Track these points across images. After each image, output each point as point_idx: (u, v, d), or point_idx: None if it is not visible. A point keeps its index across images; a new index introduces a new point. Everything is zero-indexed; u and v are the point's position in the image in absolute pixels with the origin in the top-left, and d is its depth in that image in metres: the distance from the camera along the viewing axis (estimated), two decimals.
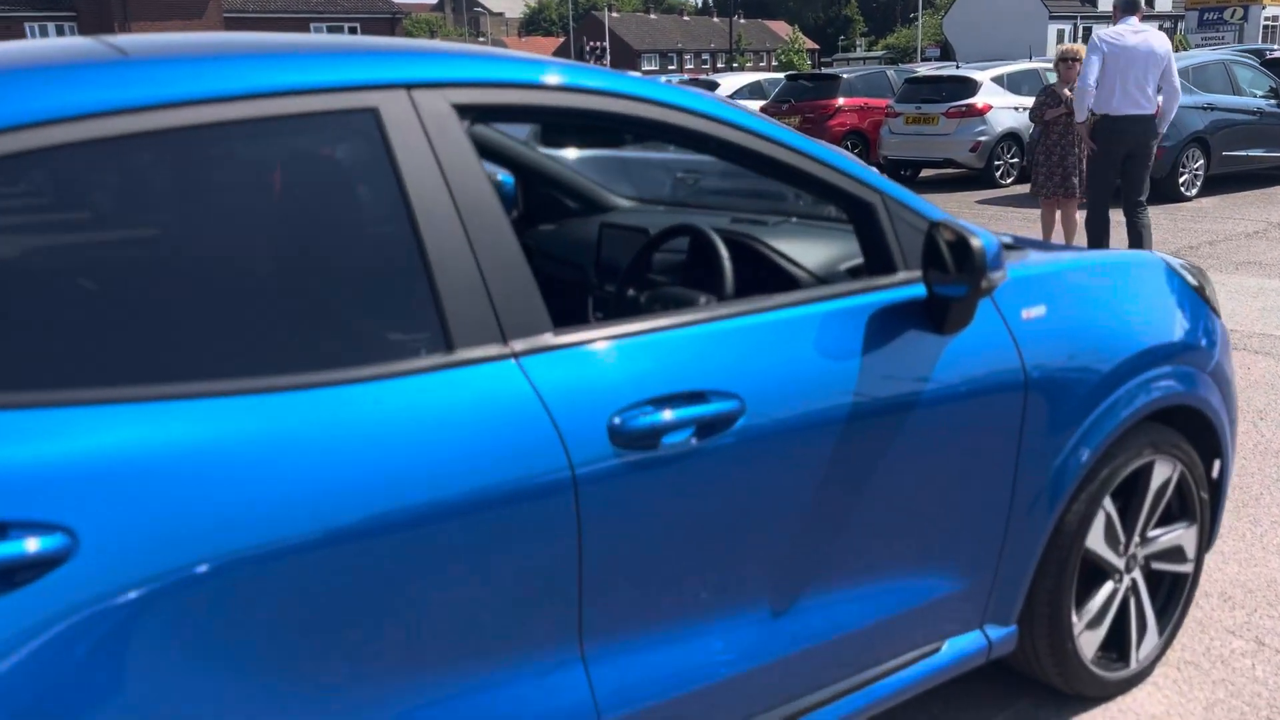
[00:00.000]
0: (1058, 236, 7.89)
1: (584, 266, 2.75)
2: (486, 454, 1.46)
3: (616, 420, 1.57)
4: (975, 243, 1.81)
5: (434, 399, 1.45)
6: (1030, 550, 2.15)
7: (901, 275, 1.99)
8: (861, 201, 1.97)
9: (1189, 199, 10.82)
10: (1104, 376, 2.17)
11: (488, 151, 2.92)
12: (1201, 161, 10.88)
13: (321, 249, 1.47)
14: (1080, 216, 7.51)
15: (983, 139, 12.51)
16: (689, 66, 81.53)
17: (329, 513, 1.34)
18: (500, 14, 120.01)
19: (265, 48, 1.51)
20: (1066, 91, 7.31)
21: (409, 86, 1.55)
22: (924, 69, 17.52)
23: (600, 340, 1.62)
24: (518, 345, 1.54)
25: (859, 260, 2.22)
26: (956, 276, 1.86)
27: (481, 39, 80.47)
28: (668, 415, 1.61)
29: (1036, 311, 2.12)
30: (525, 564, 1.51)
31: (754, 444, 1.71)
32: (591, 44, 74.32)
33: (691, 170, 6.20)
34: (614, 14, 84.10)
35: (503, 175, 3.21)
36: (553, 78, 1.68)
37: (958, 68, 16.18)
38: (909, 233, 2.01)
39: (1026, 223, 9.72)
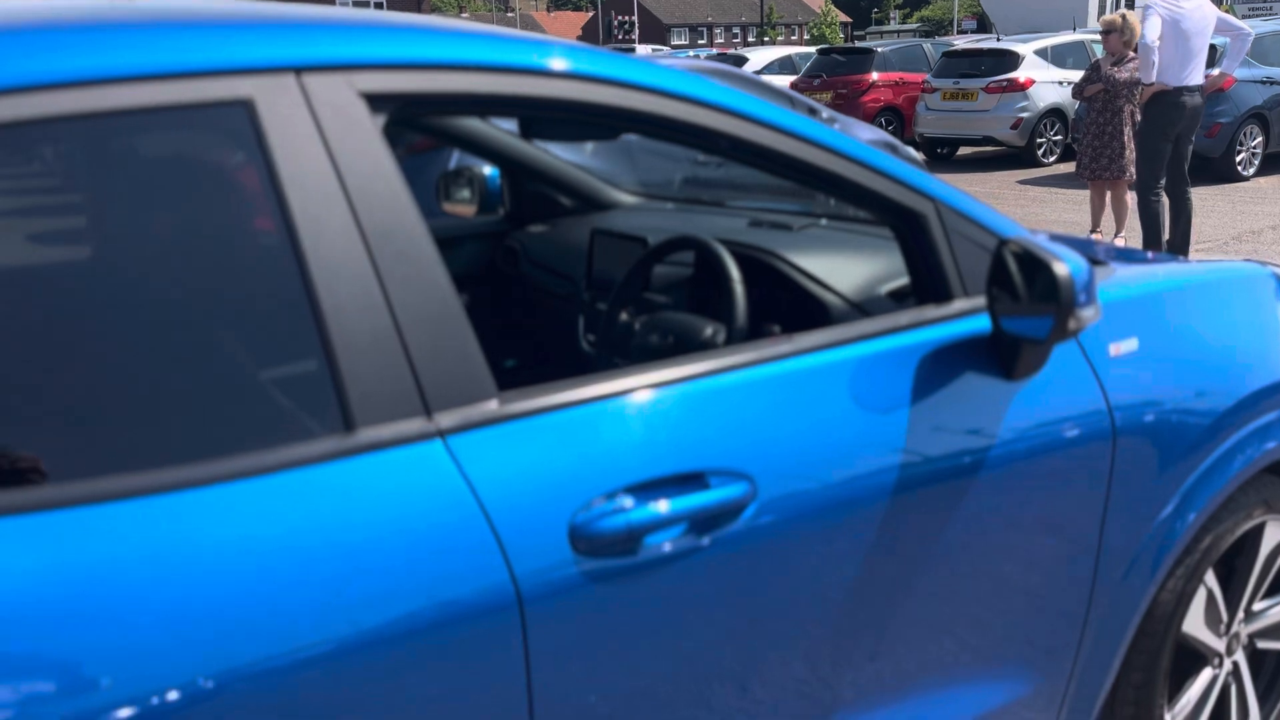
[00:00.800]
0: (1107, 220, 7.39)
1: (574, 278, 2.34)
2: (395, 576, 1.07)
3: (580, 519, 1.16)
4: (1060, 270, 1.38)
5: (320, 503, 1.05)
6: (1116, 641, 1.73)
7: (958, 305, 1.57)
8: (908, 211, 1.55)
9: (1246, 179, 10.21)
10: (1211, 424, 1.74)
11: (470, 143, 2.52)
12: (1260, 139, 10.25)
13: (162, 295, 1.08)
14: (1131, 199, 7.00)
15: (1024, 115, 11.92)
16: (719, 40, 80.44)
17: (153, 676, 0.95)
18: None
19: (86, 15, 1.11)
20: (1111, 67, 6.79)
21: (298, 70, 1.14)
22: (961, 42, 16.87)
23: (562, 404, 1.22)
24: (446, 420, 1.14)
25: (900, 279, 1.80)
26: (1032, 309, 1.44)
27: (510, 15, 79.74)
28: (652, 508, 1.20)
29: (1127, 346, 1.69)
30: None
31: (768, 538, 1.30)
32: (620, 18, 73.47)
33: (703, 159, 5.78)
34: None
35: (489, 170, 2.80)
36: (504, 56, 1.27)
37: (998, 40, 15.54)
38: (970, 251, 1.59)
39: (1072, 205, 9.18)
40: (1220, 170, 9.99)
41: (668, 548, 1.22)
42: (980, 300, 1.58)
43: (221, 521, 1.00)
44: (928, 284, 1.59)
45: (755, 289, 1.78)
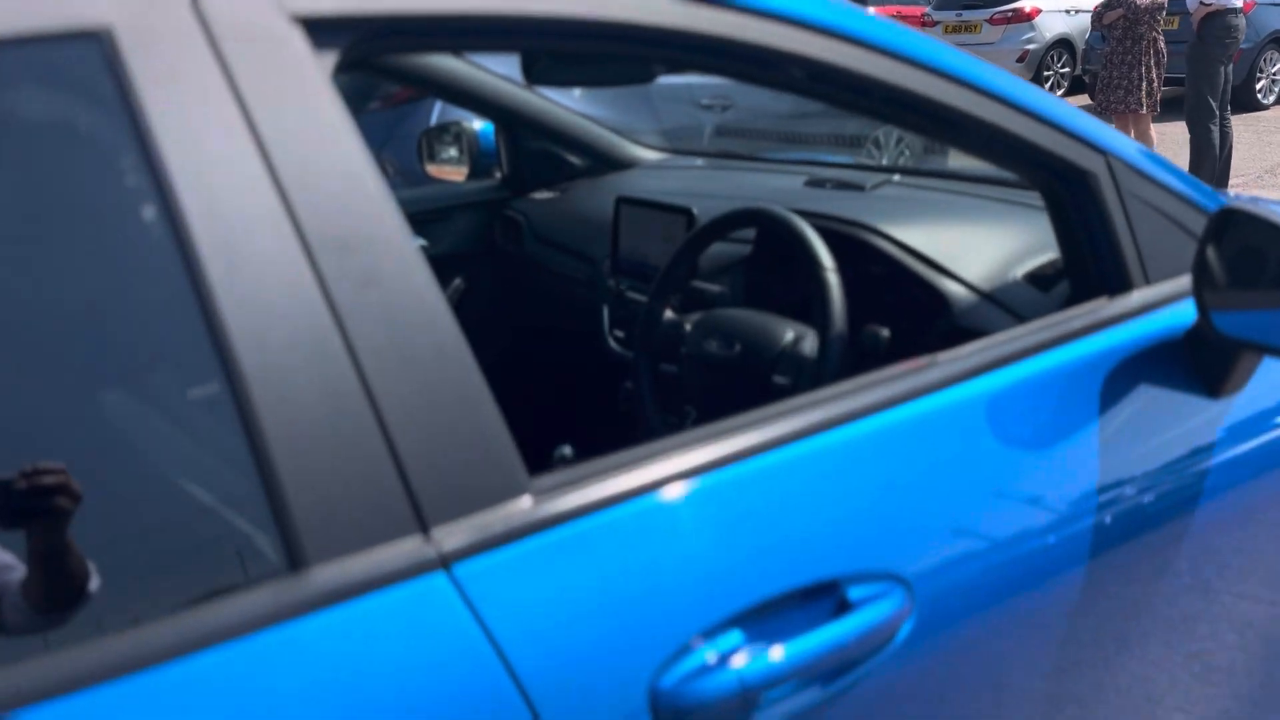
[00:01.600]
0: None
1: (594, 259, 1.90)
2: None
3: (666, 683, 0.75)
4: None
5: (235, 708, 0.63)
6: None
7: (1138, 298, 1.15)
8: (1071, 169, 1.13)
9: (1266, 107, 9.74)
10: None
11: (454, 91, 2.06)
12: None
13: None
14: (1154, 132, 6.55)
15: (1031, 47, 11.37)
16: None
17: None
18: None
19: None
20: None
21: None
22: None
23: (628, 492, 0.80)
24: (451, 537, 0.71)
25: (1038, 256, 1.37)
26: (1270, 300, 1.03)
27: None
28: (772, 653, 0.79)
29: None
30: None
31: (937, 655, 0.89)
32: None
33: (720, 96, 5.28)
34: None
35: (480, 124, 2.35)
36: None
37: None
38: (1152, 223, 1.17)
39: None
40: (1240, 98, 9.49)
41: (799, 706, 0.80)
42: (1162, 290, 1.17)
43: None
44: (1094, 268, 1.17)
45: (843, 274, 1.35)
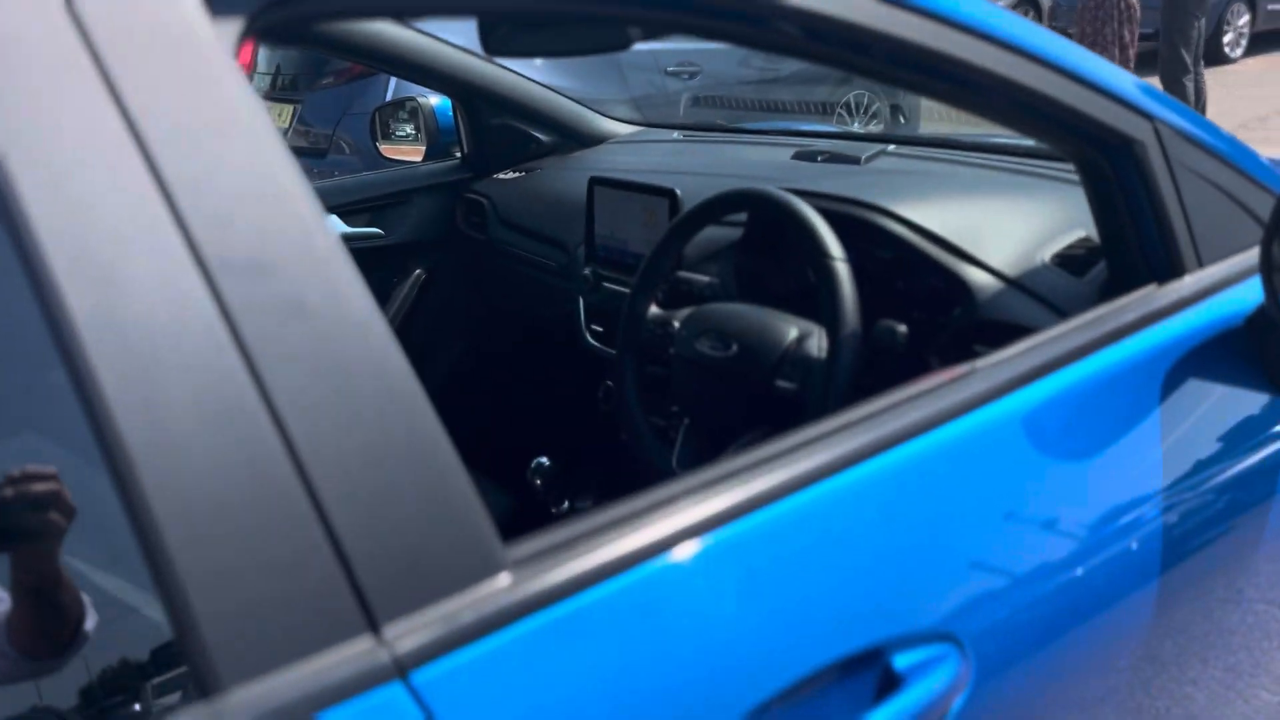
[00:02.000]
0: None
1: (567, 246, 1.74)
2: None
3: None
4: None
5: None
6: None
7: (1190, 282, 1.02)
8: (1116, 136, 0.98)
9: (1233, 60, 9.67)
10: None
11: (402, 64, 1.88)
12: (1247, 17, 9.70)
13: None
14: None
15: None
16: None
17: None
18: None
19: None
20: None
21: None
22: None
23: (630, 558, 0.64)
24: (409, 635, 0.56)
25: (1065, 235, 1.22)
26: None
27: None
28: None
29: None
30: None
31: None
32: None
33: (686, 62, 5.09)
34: None
35: (438, 99, 2.17)
36: None
37: None
38: (1206, 198, 1.03)
39: None
40: (1207, 52, 9.41)
41: None
42: (1216, 272, 1.03)
43: None
44: (1139, 250, 1.02)
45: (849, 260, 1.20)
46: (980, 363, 0.87)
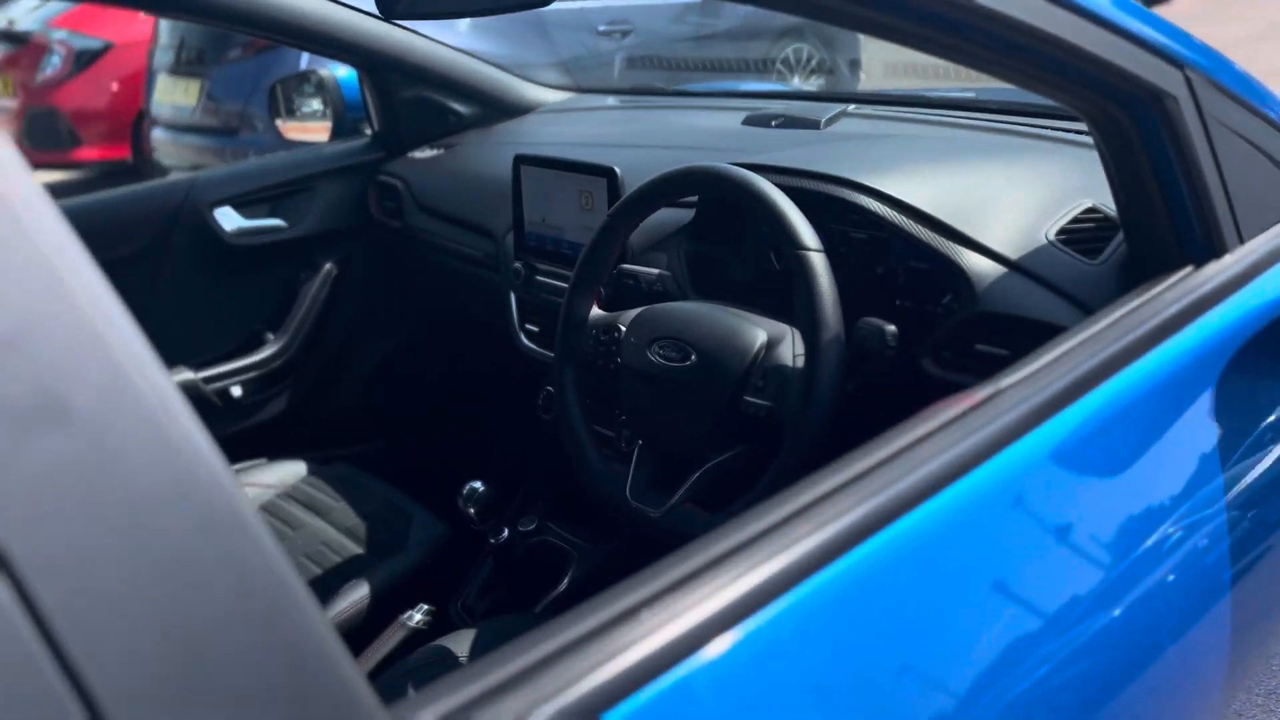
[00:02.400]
0: None
1: (493, 234, 1.54)
2: None
3: None
4: None
5: None
6: None
7: (1231, 262, 0.86)
8: (1141, 87, 0.82)
9: (1168, 1, 9.64)
10: None
11: (298, 32, 1.64)
12: None
13: None
14: None
15: None
16: None
17: None
18: None
19: None
20: None
21: None
22: None
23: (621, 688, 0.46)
24: None
25: (1068, 207, 1.05)
26: None
27: None
28: None
29: None
30: None
31: None
32: None
33: (618, 21, 4.84)
34: None
35: (343, 71, 1.95)
36: None
37: None
38: (1247, 161, 0.87)
39: None
40: None
41: None
42: (1259, 247, 0.88)
43: None
44: (1169, 224, 0.86)
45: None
46: (1004, 380, 0.70)
